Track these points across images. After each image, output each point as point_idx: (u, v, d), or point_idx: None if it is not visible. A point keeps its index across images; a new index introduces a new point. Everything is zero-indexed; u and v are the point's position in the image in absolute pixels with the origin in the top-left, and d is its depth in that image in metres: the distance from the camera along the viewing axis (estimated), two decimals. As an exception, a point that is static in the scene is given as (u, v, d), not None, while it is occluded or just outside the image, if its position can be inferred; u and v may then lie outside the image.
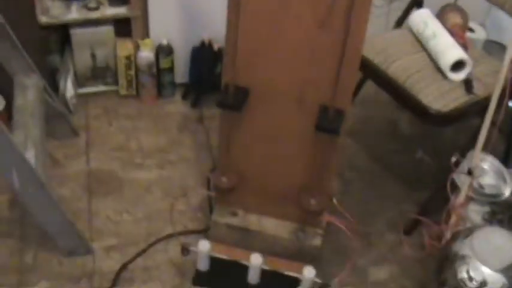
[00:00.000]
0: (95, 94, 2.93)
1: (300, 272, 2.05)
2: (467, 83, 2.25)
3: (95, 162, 2.62)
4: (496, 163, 2.36)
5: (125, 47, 2.83)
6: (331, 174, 2.05)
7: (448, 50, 2.28)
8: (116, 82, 2.94)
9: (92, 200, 2.46)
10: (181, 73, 2.96)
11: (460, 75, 2.26)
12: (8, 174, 1.99)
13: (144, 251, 2.30)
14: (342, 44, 1.77)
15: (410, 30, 2.48)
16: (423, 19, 2.42)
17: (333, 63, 1.82)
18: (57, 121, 2.63)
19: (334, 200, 2.11)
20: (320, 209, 2.08)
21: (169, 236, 2.34)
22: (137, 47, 2.82)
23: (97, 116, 2.83)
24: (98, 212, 2.42)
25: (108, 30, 2.80)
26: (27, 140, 2.17)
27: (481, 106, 2.20)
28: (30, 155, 2.08)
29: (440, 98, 2.20)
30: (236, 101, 1.92)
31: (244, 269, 2.10)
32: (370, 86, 2.65)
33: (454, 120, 2.25)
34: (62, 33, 2.79)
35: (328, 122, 1.87)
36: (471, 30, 2.91)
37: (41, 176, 2.05)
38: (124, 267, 2.25)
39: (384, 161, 2.73)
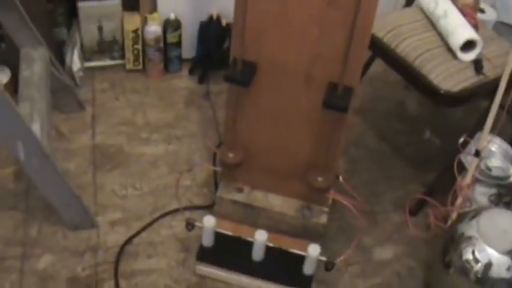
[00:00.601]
0: (102, 68, 2.92)
1: (305, 249, 2.05)
2: (477, 64, 2.23)
3: (100, 136, 2.61)
4: (504, 145, 2.36)
5: (132, 21, 2.81)
6: (338, 152, 2.04)
7: (459, 29, 2.25)
8: (122, 56, 2.92)
9: (97, 174, 2.46)
10: (188, 48, 2.94)
11: (470, 56, 2.24)
12: (13, 146, 1.98)
13: (149, 225, 2.30)
14: (351, 21, 1.75)
15: (421, 9, 2.45)
16: (434, -3, 2.40)
17: (342, 40, 1.80)
18: (64, 94, 2.62)
19: (341, 178, 2.11)
20: (326, 187, 2.07)
21: (175, 211, 2.34)
22: (145, 21, 2.80)
23: (103, 90, 2.82)
24: (103, 186, 2.42)
25: (115, 3, 2.79)
26: (33, 113, 2.15)
27: (490, 87, 2.19)
28: (35, 128, 2.07)
29: (449, 78, 2.18)
30: (244, 76, 1.90)
31: (248, 245, 2.10)
32: (378, 66, 2.63)
33: (463, 100, 2.24)
34: (69, 6, 2.78)
35: (336, 100, 1.85)
36: (482, 11, 2.88)
37: (46, 149, 2.04)
38: (128, 241, 2.25)
39: (391, 141, 2.72)
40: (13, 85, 2.53)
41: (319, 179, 2.06)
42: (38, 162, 2.04)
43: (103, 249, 2.22)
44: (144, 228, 2.29)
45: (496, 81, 2.14)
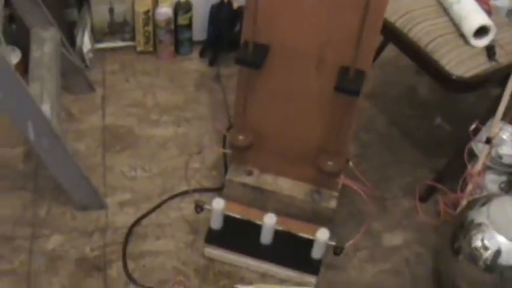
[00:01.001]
0: (112, 49, 2.91)
1: (314, 233, 2.05)
2: (490, 50, 2.21)
3: (110, 117, 2.61)
4: (515, 133, 2.34)
5: (143, 3, 2.79)
6: (349, 137, 2.03)
7: (472, 15, 2.23)
8: (133, 38, 2.91)
9: (106, 155, 2.46)
10: (199, 30, 2.92)
11: (483, 42, 2.22)
12: (23, 126, 1.99)
13: (157, 207, 2.31)
14: (364, 4, 1.73)
15: (434, -6, 2.43)
16: (448, -18, 2.38)
17: (354, 23, 1.78)
18: (74, 75, 2.62)
19: (351, 163, 2.10)
20: (336, 171, 2.06)
21: (184, 193, 2.34)
22: (156, 3, 2.79)
23: (114, 72, 2.82)
24: (112, 168, 2.42)
25: (127, -16, 2.78)
26: (43, 93, 2.15)
27: (502, 74, 2.17)
28: (45, 108, 2.08)
29: (461, 64, 2.17)
30: (255, 58, 1.89)
31: (257, 228, 2.10)
32: (390, 51, 2.62)
33: (475, 87, 2.22)
34: (81, -13, 2.78)
35: (348, 83, 1.84)
36: (495, -3, 2.86)
37: (56, 129, 2.04)
38: (137, 222, 2.25)
39: (401, 126, 2.71)
40: (23, 66, 2.52)
41: (329, 163, 2.05)
42: (47, 142, 2.04)
43: (111, 230, 2.23)
44: (152, 210, 2.30)
45: (508, 68, 2.12)
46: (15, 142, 2.45)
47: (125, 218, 2.26)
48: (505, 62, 2.20)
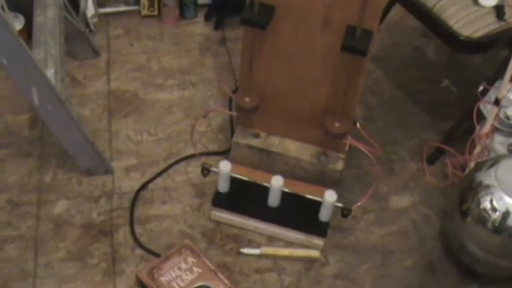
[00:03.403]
0: (116, 14, 2.89)
1: (321, 195, 2.04)
2: (499, 10, 2.18)
3: (115, 82, 2.59)
4: (524, 95, 2.32)
5: (147, -34, 2.78)
6: (356, 98, 2.01)
7: (481, -27, 2.21)
8: (137, 2, 2.88)
9: (112, 120, 2.45)
10: (204, -6, 2.91)
11: (491, 1, 2.19)
12: (28, 92, 1.98)
13: (163, 171, 2.30)
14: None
15: (442, -47, 2.40)
16: None
17: (361, -19, 1.77)
18: (78, 41, 2.60)
19: (358, 125, 2.08)
20: (344, 132, 2.04)
21: (190, 157, 2.33)
22: (160, -34, 2.77)
23: (118, 36, 2.79)
24: (118, 132, 2.41)
25: None
26: (47, 58, 2.14)
27: (511, 34, 2.15)
28: (50, 73, 2.06)
29: (470, 24, 2.14)
30: (261, 18, 1.87)
31: (264, 191, 2.09)
32: (396, 12, 2.60)
33: (484, 47, 2.20)
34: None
35: (355, 43, 1.82)
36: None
37: (61, 94, 2.03)
38: (143, 187, 2.25)
39: (408, 89, 2.69)
40: (27, 32, 2.51)
41: (337, 124, 2.03)
42: (52, 107, 2.03)
43: (118, 195, 2.23)
44: (159, 174, 2.29)
45: (517, 28, 2.10)
46: (21, 109, 2.44)
47: (131, 183, 2.26)
48: (514, 22, 2.18)
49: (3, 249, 2.06)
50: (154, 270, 1.99)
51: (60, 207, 2.18)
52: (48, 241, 2.09)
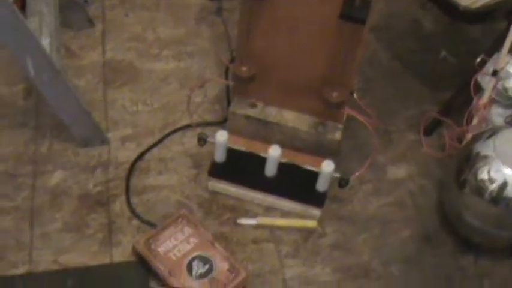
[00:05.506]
0: (111, -17, 2.86)
1: (319, 165, 2.03)
2: (498, -21, 2.17)
3: (110, 52, 2.57)
4: (523, 67, 2.31)
5: None
6: (354, 67, 1.99)
7: None
8: (132, -29, 2.86)
9: (107, 90, 2.43)
10: (200, -37, 2.87)
11: (490, -30, 2.18)
12: (22, 61, 1.95)
13: (159, 141, 2.29)
14: None
15: None
16: None
17: None
18: (73, 11, 2.57)
19: (355, 95, 2.07)
20: (341, 102, 2.03)
21: (186, 127, 2.32)
22: None
23: (113, 6, 2.76)
24: (113, 103, 2.39)
25: None
26: (42, 27, 2.11)
27: (510, 5, 2.13)
28: (45, 42, 2.04)
29: (469, -6, 2.13)
30: (258, -14, 1.85)
31: (261, 161, 2.08)
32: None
33: (482, 18, 2.20)
34: None
35: (353, 11, 1.80)
36: None
37: (56, 63, 2.01)
38: (140, 157, 2.24)
39: (406, 60, 2.67)
40: (21, 1, 2.47)
41: (334, 93, 2.01)
42: (47, 77, 2.01)
43: (114, 166, 2.21)
44: (155, 145, 2.28)
45: (517, -2, 2.09)
46: (15, 79, 2.42)
47: (127, 153, 2.25)
48: (513, -8, 2.16)
49: (-1, 220, 2.06)
50: (151, 241, 1.98)
51: (56, 178, 2.17)
52: (45, 212, 2.08)
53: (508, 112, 2.22)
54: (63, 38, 2.52)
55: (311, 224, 2.10)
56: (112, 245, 2.03)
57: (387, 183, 2.26)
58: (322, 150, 2.13)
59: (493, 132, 2.00)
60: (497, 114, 2.21)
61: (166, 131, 2.32)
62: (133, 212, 2.10)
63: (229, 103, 2.26)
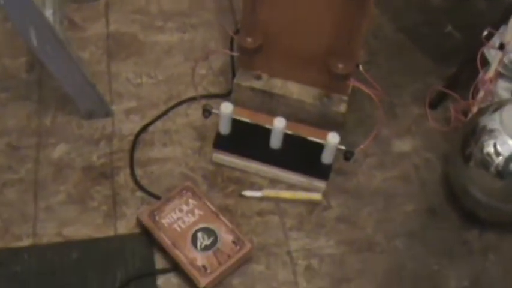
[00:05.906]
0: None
1: (324, 138, 2.02)
2: (505, -50, 2.15)
3: (114, 25, 2.55)
4: (530, 40, 2.29)
5: None
6: (360, 39, 1.98)
7: None
8: None
9: (111, 62, 2.42)
10: None
11: None
12: (26, 33, 1.94)
13: (164, 113, 2.28)
14: None
15: None
16: None
17: None
18: (76, -18, 2.57)
19: (360, 67, 2.05)
20: (347, 73, 2.02)
21: (191, 99, 2.31)
22: None
23: (116, -21, 2.75)
24: (117, 75, 2.38)
25: None
26: (45, -1, 2.11)
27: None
28: (48, 13, 2.02)
29: (476, -35, 2.11)
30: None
31: (266, 133, 2.07)
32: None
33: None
34: None
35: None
36: None
37: (59, 34, 2.00)
38: (144, 129, 2.23)
39: (411, 33, 2.65)
40: (24, -28, 2.47)
41: (340, 65, 2.00)
42: (51, 48, 2.00)
43: (118, 138, 2.21)
44: (159, 117, 2.27)
45: (524, -31, 2.07)
46: (18, 52, 2.41)
47: (131, 126, 2.24)
48: (520, -38, 2.14)
49: (3, 193, 2.05)
50: (155, 213, 1.98)
51: (60, 150, 2.16)
52: (49, 184, 2.08)
53: (515, 86, 2.22)
54: (66, 10, 2.51)
55: (316, 196, 2.10)
56: (116, 217, 2.03)
57: (392, 156, 2.25)
58: (327, 123, 2.13)
59: (499, 105, 1.98)
60: (503, 88, 2.20)
61: (171, 104, 2.30)
62: (137, 184, 2.09)
63: (234, 75, 2.24)
